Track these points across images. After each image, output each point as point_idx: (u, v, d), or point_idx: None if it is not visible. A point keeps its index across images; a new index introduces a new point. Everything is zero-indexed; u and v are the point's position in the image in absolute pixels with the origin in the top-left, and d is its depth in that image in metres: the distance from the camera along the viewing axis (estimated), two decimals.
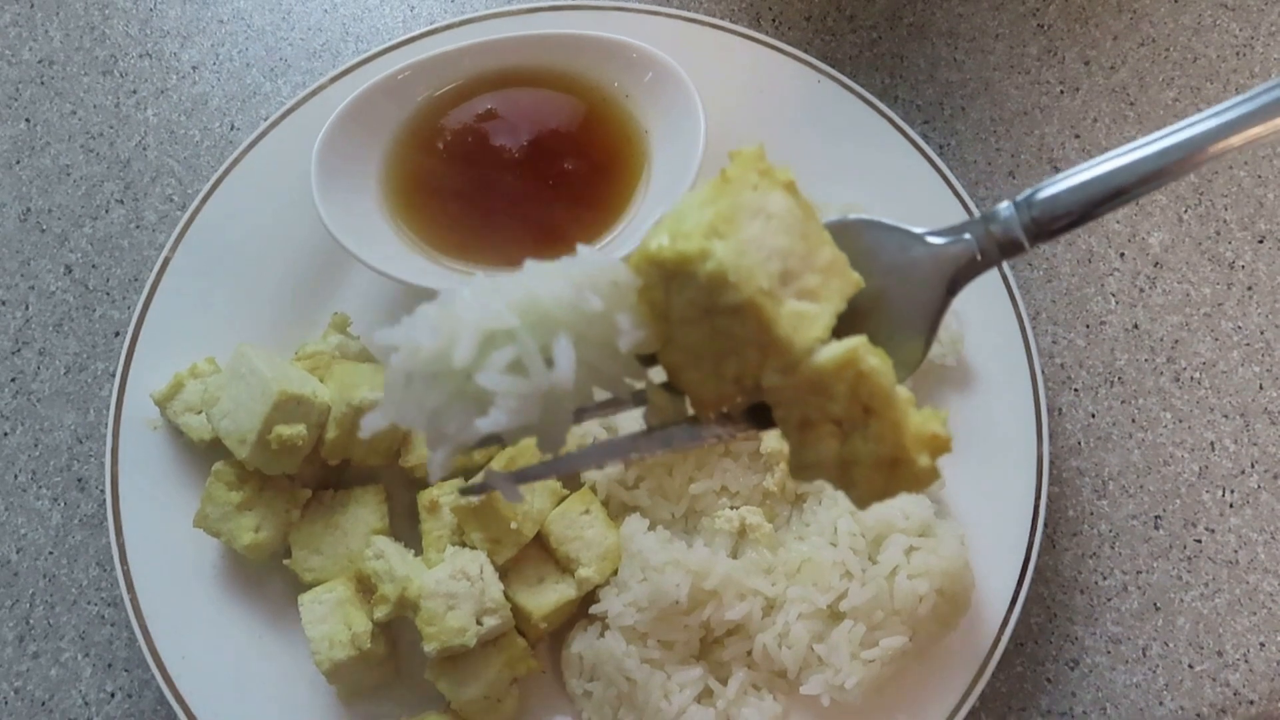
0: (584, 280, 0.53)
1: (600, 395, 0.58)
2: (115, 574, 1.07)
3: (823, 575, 0.96)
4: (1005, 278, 1.11)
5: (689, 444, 0.57)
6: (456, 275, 1.07)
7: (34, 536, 1.11)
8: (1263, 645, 1.07)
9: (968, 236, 0.57)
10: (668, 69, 1.09)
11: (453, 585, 0.93)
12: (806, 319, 0.52)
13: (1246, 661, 1.06)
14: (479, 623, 0.92)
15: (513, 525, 0.96)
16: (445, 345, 0.52)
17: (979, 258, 0.57)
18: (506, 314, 0.54)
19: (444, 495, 1.00)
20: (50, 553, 1.11)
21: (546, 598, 0.98)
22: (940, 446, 0.54)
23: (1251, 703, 1.05)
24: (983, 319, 1.09)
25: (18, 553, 1.11)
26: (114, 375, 1.15)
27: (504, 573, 0.97)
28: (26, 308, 1.20)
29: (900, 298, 0.56)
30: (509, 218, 1.09)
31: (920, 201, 1.14)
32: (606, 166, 1.11)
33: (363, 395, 0.98)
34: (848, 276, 0.55)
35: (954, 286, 0.57)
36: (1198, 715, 1.05)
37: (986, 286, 1.11)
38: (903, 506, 0.95)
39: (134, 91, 1.29)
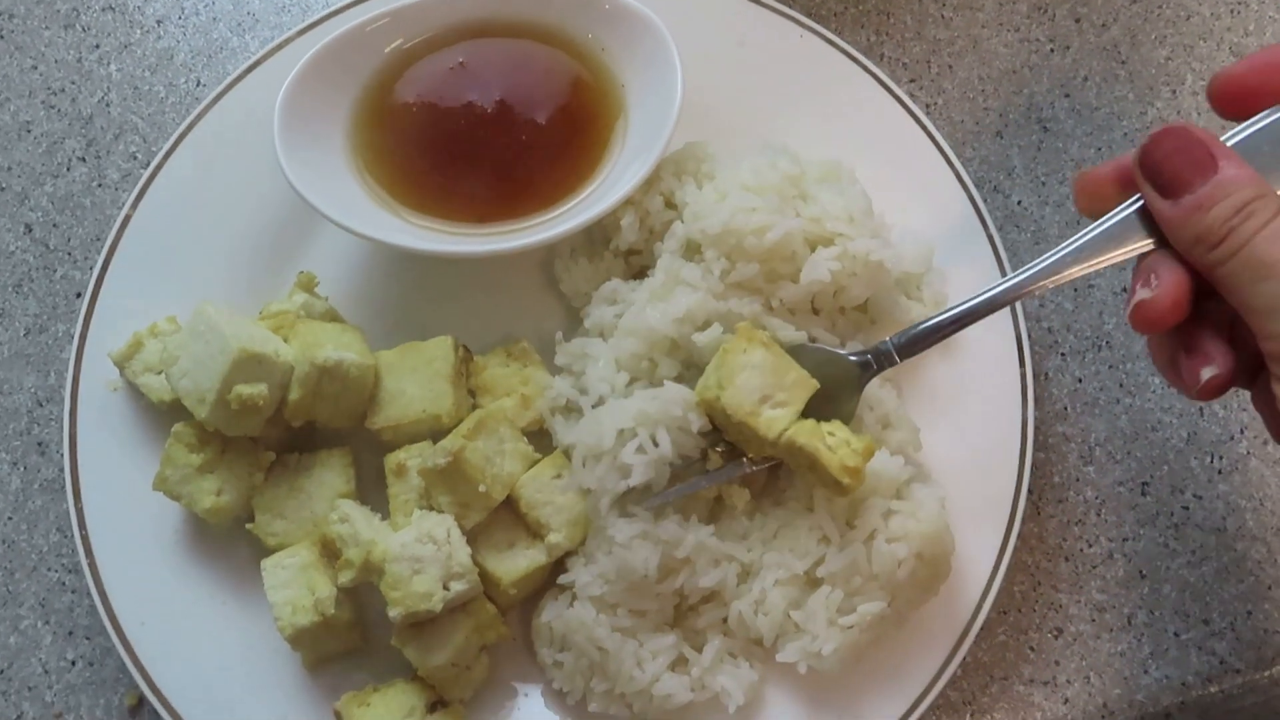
0: (669, 400, 0.93)
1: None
2: (75, 540, 1.05)
3: (799, 540, 0.94)
4: (992, 238, 1.08)
5: (734, 475, 0.96)
6: (425, 231, 1.04)
7: None
8: (1250, 613, 1.05)
9: (869, 357, 0.93)
10: (645, 21, 1.05)
11: (419, 549, 0.90)
12: (775, 421, 0.90)
13: (1233, 630, 1.04)
14: (445, 588, 0.90)
15: (481, 488, 0.93)
16: (598, 440, 0.93)
17: (874, 365, 0.94)
18: (629, 420, 0.92)
19: (411, 458, 0.97)
20: (9, 518, 1.08)
21: (516, 563, 0.96)
22: (854, 471, 0.88)
23: (1238, 671, 1.03)
24: (969, 282, 1.06)
25: None
26: (73, 338, 1.13)
27: (473, 538, 0.94)
28: None
29: (838, 387, 0.94)
30: (480, 173, 1.05)
31: (905, 161, 1.11)
32: (581, 120, 1.07)
33: (326, 354, 0.95)
34: (808, 384, 0.92)
35: (864, 379, 0.95)
36: (1183, 684, 1.03)
37: (973, 248, 1.09)
38: (876, 469, 0.92)
39: (97, 46, 1.25)
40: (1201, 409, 1.11)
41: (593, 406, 0.97)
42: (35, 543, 1.07)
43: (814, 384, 0.92)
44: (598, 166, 1.06)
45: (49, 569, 1.07)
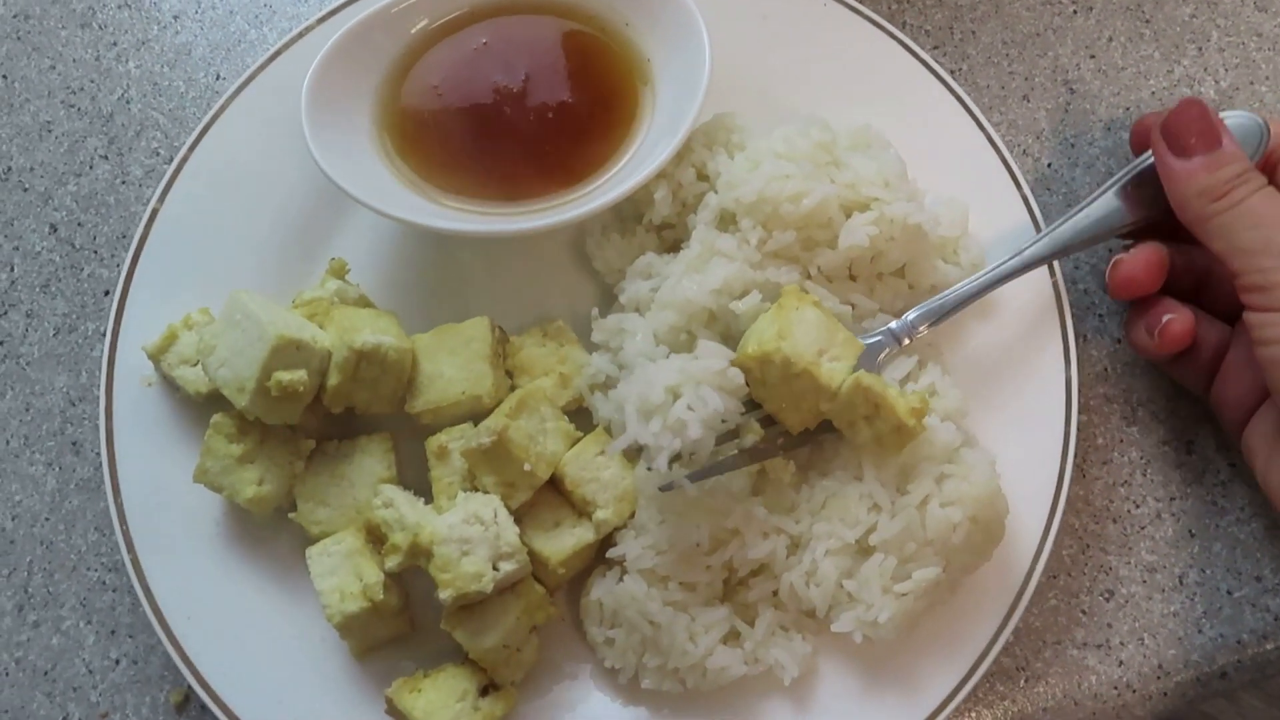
0: (709, 357, 0.91)
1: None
2: (115, 538, 1.04)
3: (849, 509, 0.92)
4: (1027, 199, 1.07)
5: (776, 454, 0.96)
6: (456, 212, 1.03)
7: (29, 503, 1.08)
8: None
9: (883, 338, 0.98)
10: None
11: (466, 530, 0.89)
12: (835, 371, 0.90)
13: None
14: (495, 568, 0.89)
15: (526, 467, 0.92)
16: (649, 395, 0.89)
17: (882, 350, 0.97)
18: (675, 377, 0.89)
19: (453, 440, 0.97)
20: (47, 519, 1.07)
21: (564, 542, 0.95)
22: (919, 413, 0.89)
23: None
24: (1005, 244, 1.05)
25: (13, 520, 1.07)
26: (104, 336, 1.12)
27: (518, 518, 0.93)
28: (12, 269, 1.16)
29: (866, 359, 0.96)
30: (509, 152, 1.04)
31: (934, 125, 1.10)
32: (608, 97, 1.06)
33: (364, 339, 0.94)
34: (856, 344, 0.93)
35: (882, 353, 0.98)
36: (1238, 642, 1.02)
37: (1007, 213, 1.07)
38: (929, 435, 0.91)
39: (114, 44, 1.24)
40: None
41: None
42: (74, 543, 1.06)
43: (860, 345, 0.92)
44: (627, 141, 1.05)
45: (89, 568, 1.06)
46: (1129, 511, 1.06)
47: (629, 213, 1.06)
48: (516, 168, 1.04)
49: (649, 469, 0.89)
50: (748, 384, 0.91)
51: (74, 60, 1.24)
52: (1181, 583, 1.04)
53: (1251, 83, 1.21)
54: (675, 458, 0.88)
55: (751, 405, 0.93)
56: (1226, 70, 1.21)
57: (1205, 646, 1.02)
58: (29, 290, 1.15)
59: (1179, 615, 1.03)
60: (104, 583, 1.05)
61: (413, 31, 1.06)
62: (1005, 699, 1.01)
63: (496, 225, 1.01)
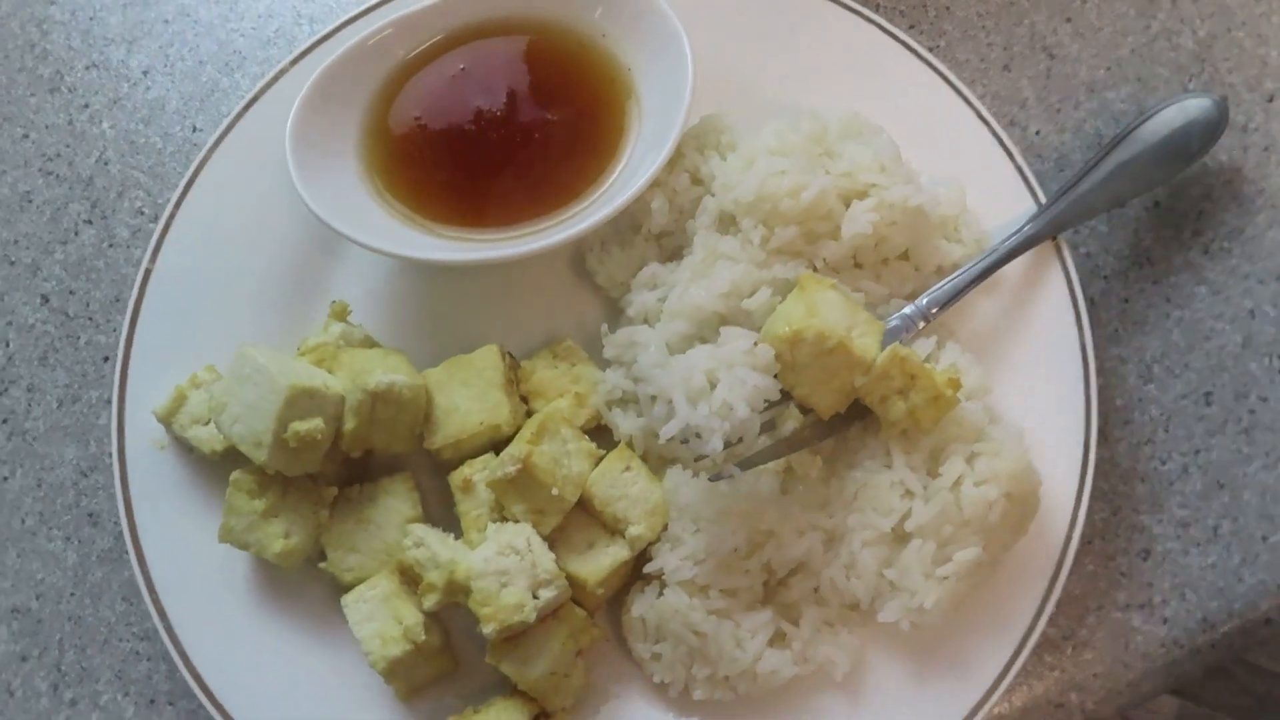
0: (733, 342, 0.91)
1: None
2: (143, 607, 1.03)
3: (882, 499, 0.92)
4: (1021, 169, 1.07)
5: (813, 442, 0.96)
6: (452, 242, 1.02)
7: (52, 580, 1.06)
8: None
9: (901, 322, 0.98)
10: (643, 1, 1.03)
11: (502, 561, 0.88)
12: (867, 345, 0.90)
13: None
14: (535, 596, 0.88)
15: (554, 491, 0.92)
16: (690, 380, 0.89)
17: (904, 332, 0.97)
18: (707, 363, 0.90)
19: (477, 472, 0.96)
20: (72, 594, 1.06)
21: (600, 563, 0.94)
22: (955, 383, 0.90)
23: None
24: (1004, 217, 1.05)
25: (38, 599, 1.06)
26: (109, 402, 1.10)
27: (551, 544, 0.93)
28: (7, 345, 1.14)
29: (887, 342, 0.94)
30: (498, 176, 1.04)
31: (919, 105, 1.10)
32: (593, 111, 1.06)
33: (377, 379, 0.93)
34: (878, 324, 0.93)
35: (903, 334, 0.98)
36: (1279, 586, 1.02)
37: (1004, 185, 1.07)
38: (956, 415, 0.91)
39: (86, 106, 1.22)
40: (1252, 311, 1.10)
41: (651, 395, 0.95)
42: (102, 615, 1.05)
43: (881, 324, 0.92)
44: (617, 154, 1.04)
45: (120, 639, 1.04)
46: (1156, 469, 1.06)
47: (626, 224, 1.05)
48: (508, 191, 1.03)
49: (697, 460, 0.92)
50: (776, 373, 0.91)
51: (47, 126, 1.22)
52: (1216, 534, 1.04)
53: (1229, 30, 1.21)
54: (701, 462, 0.88)
55: (782, 397, 0.92)
56: (1202, 20, 1.21)
57: (1247, 594, 1.02)
58: (27, 364, 1.13)
59: (1217, 566, 1.03)
60: (138, 652, 1.04)
61: (391, 63, 1.05)
62: (1054, 670, 1.01)
63: (494, 252, 1.00)
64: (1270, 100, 1.18)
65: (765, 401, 0.89)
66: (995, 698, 0.93)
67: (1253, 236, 1.13)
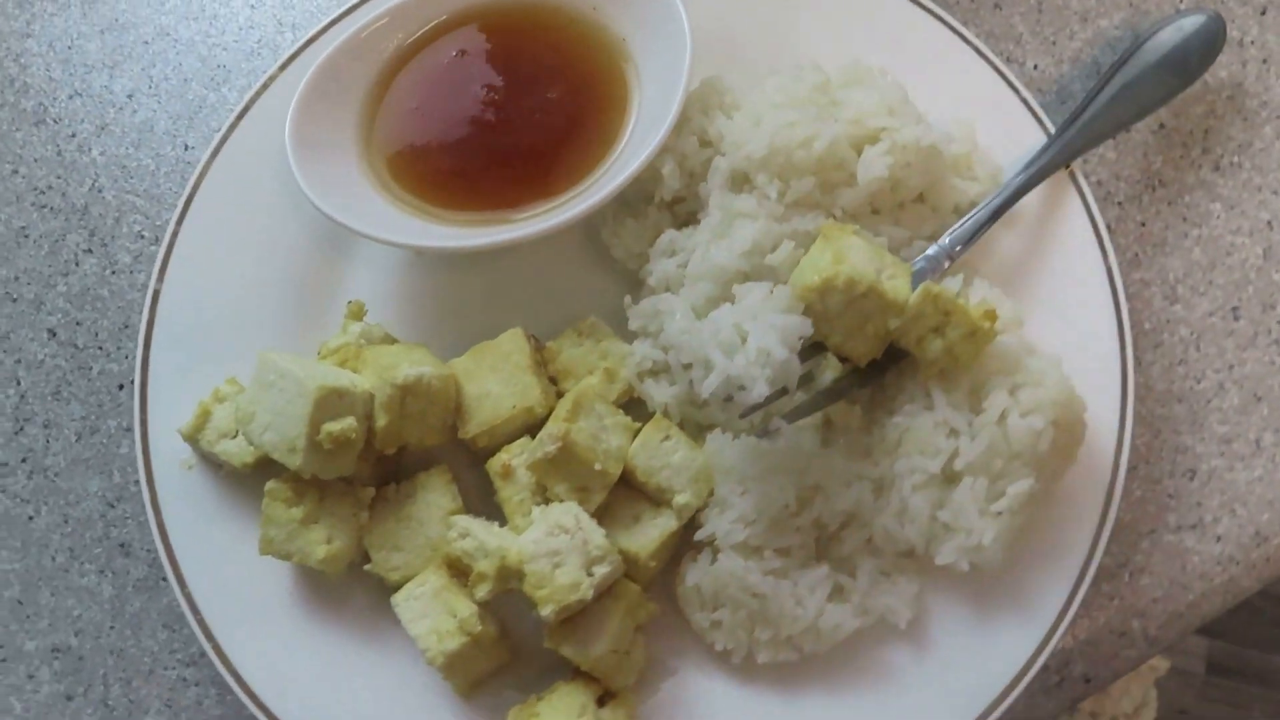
0: (753, 294, 0.90)
1: None
2: (186, 632, 1.02)
3: (927, 440, 0.91)
4: (1027, 102, 1.07)
5: (851, 391, 0.95)
6: (463, 229, 1.00)
7: (90, 615, 1.04)
8: None
9: (924, 265, 0.97)
10: None
11: (552, 542, 0.87)
12: (898, 287, 0.88)
13: None
14: (590, 573, 0.86)
15: (597, 466, 0.90)
16: (721, 335, 0.88)
17: (932, 273, 0.97)
18: (734, 317, 0.88)
19: (515, 457, 0.94)
20: (111, 627, 1.04)
21: (649, 535, 0.92)
22: (991, 315, 0.88)
23: None
24: (1014, 153, 1.04)
25: (76, 636, 1.03)
26: (129, 430, 1.09)
27: (598, 521, 0.91)
28: (18, 383, 1.12)
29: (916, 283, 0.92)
30: (504, 159, 1.02)
31: (918, 48, 1.09)
32: (591, 85, 1.04)
33: (405, 373, 0.91)
34: (905, 268, 0.91)
35: (929, 275, 0.97)
36: None
37: (1012, 121, 1.06)
38: (994, 349, 0.90)
39: (73, 135, 1.20)
40: (1269, 222, 1.10)
41: (684, 362, 0.94)
42: (145, 645, 1.03)
43: (908, 266, 0.91)
44: (621, 125, 1.03)
45: (165, 668, 1.02)
46: (1191, 389, 1.05)
47: (637, 195, 1.04)
48: (515, 173, 1.02)
49: (743, 415, 0.90)
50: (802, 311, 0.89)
51: (35, 160, 1.20)
52: (1259, 446, 1.03)
53: None
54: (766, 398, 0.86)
55: (816, 349, 0.91)
56: None
57: None
58: (40, 400, 1.11)
59: (1264, 479, 1.02)
60: (184, 679, 1.02)
61: (385, 55, 1.03)
62: (1114, 599, 1.00)
63: (507, 234, 0.98)
64: (1263, 13, 1.18)
65: (800, 340, 0.87)
66: (1061, 631, 0.92)
67: (1261, 149, 1.13)
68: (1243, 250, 1.09)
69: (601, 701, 0.91)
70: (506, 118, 1.02)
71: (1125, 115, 1.05)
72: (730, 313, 0.88)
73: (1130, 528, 1.01)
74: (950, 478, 0.91)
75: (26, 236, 1.17)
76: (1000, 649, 0.92)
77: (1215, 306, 1.08)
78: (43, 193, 1.18)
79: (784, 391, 0.89)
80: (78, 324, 1.13)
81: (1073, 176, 1.03)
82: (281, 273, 1.06)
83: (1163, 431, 1.04)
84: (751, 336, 0.85)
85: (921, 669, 0.92)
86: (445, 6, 1.04)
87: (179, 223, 1.07)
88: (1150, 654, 1.01)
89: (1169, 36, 1.06)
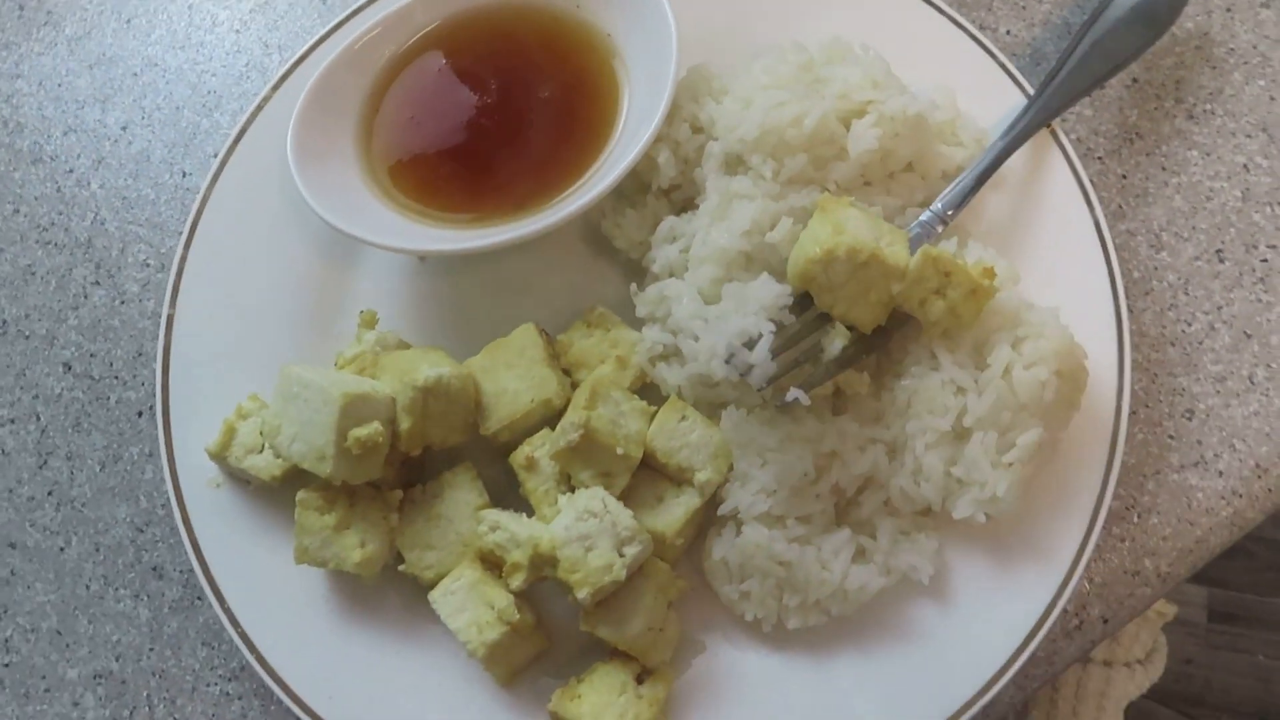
0: (745, 294, 0.95)
1: None
2: (225, 648, 1.04)
3: (936, 399, 0.94)
4: (1005, 66, 1.09)
5: (859, 359, 0.96)
6: (467, 231, 1.03)
7: (129, 639, 1.06)
8: None
9: (919, 230, 1.00)
10: None
11: (582, 527, 0.89)
12: (897, 253, 0.91)
13: None
14: (621, 554, 0.89)
15: (619, 451, 0.93)
16: (730, 328, 0.93)
17: (927, 238, 1.00)
18: (737, 319, 0.94)
19: (537, 449, 0.96)
20: (151, 649, 1.05)
21: (674, 514, 0.95)
22: (989, 272, 0.92)
23: None
24: (995, 115, 1.07)
25: (117, 660, 1.05)
26: (151, 456, 1.11)
27: (623, 504, 0.93)
28: (38, 419, 1.13)
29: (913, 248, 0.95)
30: (502, 160, 1.05)
31: (892, 20, 1.12)
32: (582, 81, 1.07)
33: (425, 374, 0.93)
34: (902, 234, 0.93)
35: (925, 240, 1.00)
36: None
37: (991, 85, 1.09)
38: (994, 305, 0.93)
39: (71, 171, 1.22)
40: (1245, 165, 1.13)
41: (694, 339, 0.96)
42: (185, 664, 1.05)
43: (905, 233, 0.94)
44: (614, 119, 1.06)
45: (208, 685, 1.04)
46: (1183, 332, 1.08)
47: (634, 185, 1.06)
48: (513, 173, 1.04)
49: (759, 390, 0.92)
50: (811, 297, 0.92)
51: (36, 198, 1.21)
52: (1252, 382, 1.06)
53: None
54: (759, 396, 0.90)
55: (823, 319, 0.94)
56: None
57: None
58: (62, 433, 1.13)
59: (1260, 413, 1.05)
60: (227, 694, 1.04)
61: (379, 65, 1.05)
62: (1125, 540, 1.03)
63: (510, 234, 1.00)
64: None
65: (791, 301, 0.92)
66: (1078, 575, 0.95)
67: (1232, 95, 1.16)
68: (1222, 194, 1.12)
69: (640, 679, 0.93)
70: (502, 119, 1.04)
71: (1099, 72, 1.08)
72: (714, 320, 0.95)
73: (1135, 470, 1.04)
74: (961, 434, 0.94)
75: (34, 274, 1.18)
76: (1021, 596, 0.95)
77: (1200, 251, 1.11)
78: (45, 229, 1.20)
79: (797, 362, 0.91)
80: (92, 355, 1.15)
81: (1054, 135, 1.06)
82: (291, 288, 1.08)
83: (1159, 375, 1.07)
84: (733, 318, 0.93)
85: (947, 622, 0.95)
86: (435, 14, 1.07)
87: (186, 247, 1.09)
88: (1163, 591, 1.04)
89: None
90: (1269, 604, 2.27)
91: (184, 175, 1.21)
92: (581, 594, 0.88)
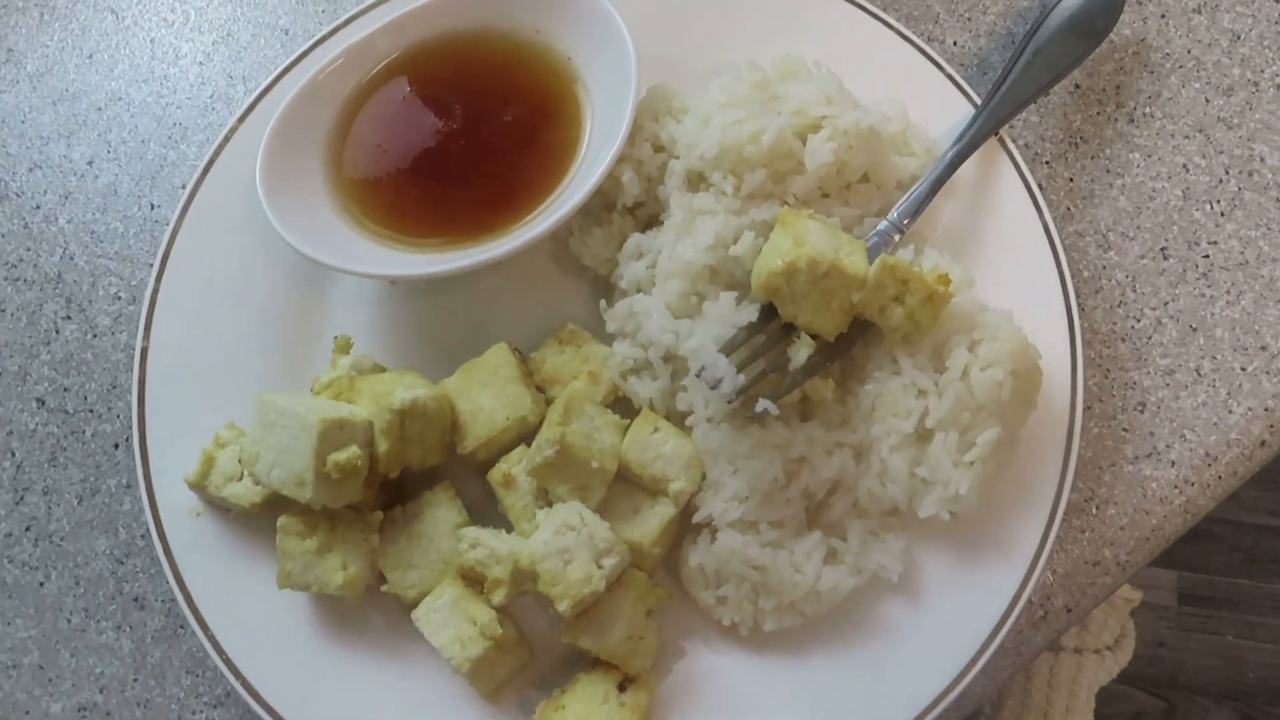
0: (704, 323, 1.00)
1: None
2: (209, 676, 1.06)
3: (898, 403, 0.97)
4: (953, 77, 1.13)
5: (824, 366, 0.99)
6: (438, 255, 1.05)
7: (112, 670, 1.06)
8: None
9: (876, 240, 1.03)
10: None
11: (560, 540, 0.91)
12: (856, 263, 0.94)
13: None
14: (600, 565, 0.91)
15: (594, 464, 0.95)
16: (699, 347, 0.99)
17: (884, 247, 1.03)
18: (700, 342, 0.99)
19: (514, 465, 0.98)
20: (134, 680, 1.06)
21: (649, 524, 0.97)
22: (945, 279, 0.95)
23: None
24: (945, 124, 1.11)
25: (101, 693, 1.06)
26: (129, 487, 1.11)
27: (600, 516, 0.96)
28: (13, 454, 1.14)
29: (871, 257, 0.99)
30: (467, 184, 1.07)
31: (839, 36, 1.15)
32: (543, 105, 1.09)
33: (400, 397, 0.95)
34: (860, 244, 0.97)
35: (883, 249, 1.03)
36: (1265, 409, 1.09)
37: (940, 96, 1.13)
38: (950, 310, 0.96)
39: (38, 207, 1.22)
40: (1184, 165, 1.18)
41: (662, 358, 0.99)
42: (170, 693, 1.05)
43: (863, 243, 0.97)
44: (577, 141, 1.08)
45: (193, 712, 1.05)
46: (1132, 328, 1.13)
47: (600, 204, 1.09)
48: (481, 197, 1.06)
49: (730, 402, 0.96)
50: (776, 308, 0.95)
51: (3, 235, 1.22)
52: (1199, 374, 1.11)
53: None
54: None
55: (787, 329, 0.97)
56: None
57: (1239, 423, 1.09)
58: (38, 469, 1.13)
59: (1207, 404, 1.10)
60: None
61: (343, 94, 1.07)
62: (1085, 531, 1.07)
63: (481, 255, 1.02)
64: None
65: (751, 311, 0.97)
66: (1040, 567, 0.99)
67: (1170, 98, 1.21)
68: (1164, 194, 1.17)
69: (622, 687, 0.95)
70: (467, 144, 1.06)
71: (1043, 80, 1.12)
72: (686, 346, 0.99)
73: (1092, 463, 1.08)
74: (923, 435, 0.97)
75: (3, 310, 1.19)
76: (987, 590, 0.98)
77: (1145, 249, 1.15)
78: (14, 266, 1.20)
79: (764, 374, 0.94)
80: (65, 390, 1.16)
81: (1002, 142, 1.10)
82: (264, 316, 1.10)
83: (1111, 370, 1.11)
84: (696, 334, 0.99)
85: (917, 618, 0.98)
86: (397, 43, 1.09)
87: (158, 279, 1.09)
88: (1123, 579, 1.08)
89: (1073, 1, 1.13)
90: (1237, 585, 2.33)
91: (152, 208, 1.22)
92: (562, 606, 0.90)
